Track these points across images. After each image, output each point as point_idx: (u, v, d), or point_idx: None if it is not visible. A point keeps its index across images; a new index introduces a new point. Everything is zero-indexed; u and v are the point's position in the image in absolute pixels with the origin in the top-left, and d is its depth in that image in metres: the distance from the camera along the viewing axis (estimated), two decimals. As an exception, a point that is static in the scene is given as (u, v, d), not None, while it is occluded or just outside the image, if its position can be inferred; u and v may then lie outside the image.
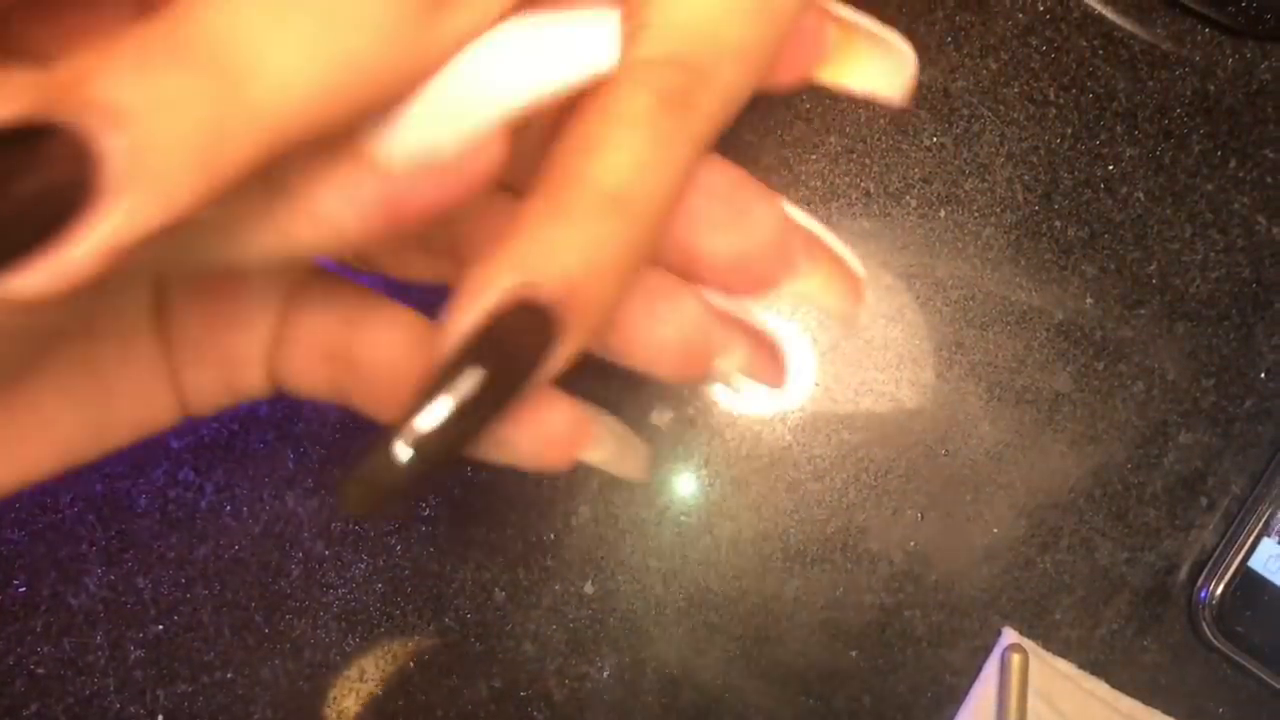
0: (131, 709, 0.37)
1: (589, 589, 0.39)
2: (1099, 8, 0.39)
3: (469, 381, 0.15)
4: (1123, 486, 0.39)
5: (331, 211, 0.15)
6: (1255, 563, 0.37)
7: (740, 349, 0.21)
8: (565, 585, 0.39)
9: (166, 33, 0.13)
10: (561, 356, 0.16)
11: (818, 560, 0.39)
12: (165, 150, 0.13)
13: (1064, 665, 0.38)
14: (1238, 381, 0.38)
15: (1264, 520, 0.37)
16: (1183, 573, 0.38)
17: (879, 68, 0.20)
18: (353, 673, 0.39)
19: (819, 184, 0.39)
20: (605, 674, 0.39)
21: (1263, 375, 0.38)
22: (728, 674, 0.39)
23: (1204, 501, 0.38)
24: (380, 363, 0.21)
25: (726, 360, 0.21)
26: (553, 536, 0.39)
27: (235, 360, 0.24)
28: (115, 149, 0.12)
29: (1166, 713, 0.38)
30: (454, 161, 0.15)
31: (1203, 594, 0.38)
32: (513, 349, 0.15)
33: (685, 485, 0.39)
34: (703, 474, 0.39)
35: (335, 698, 0.39)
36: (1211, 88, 0.38)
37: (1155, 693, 0.38)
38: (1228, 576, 0.37)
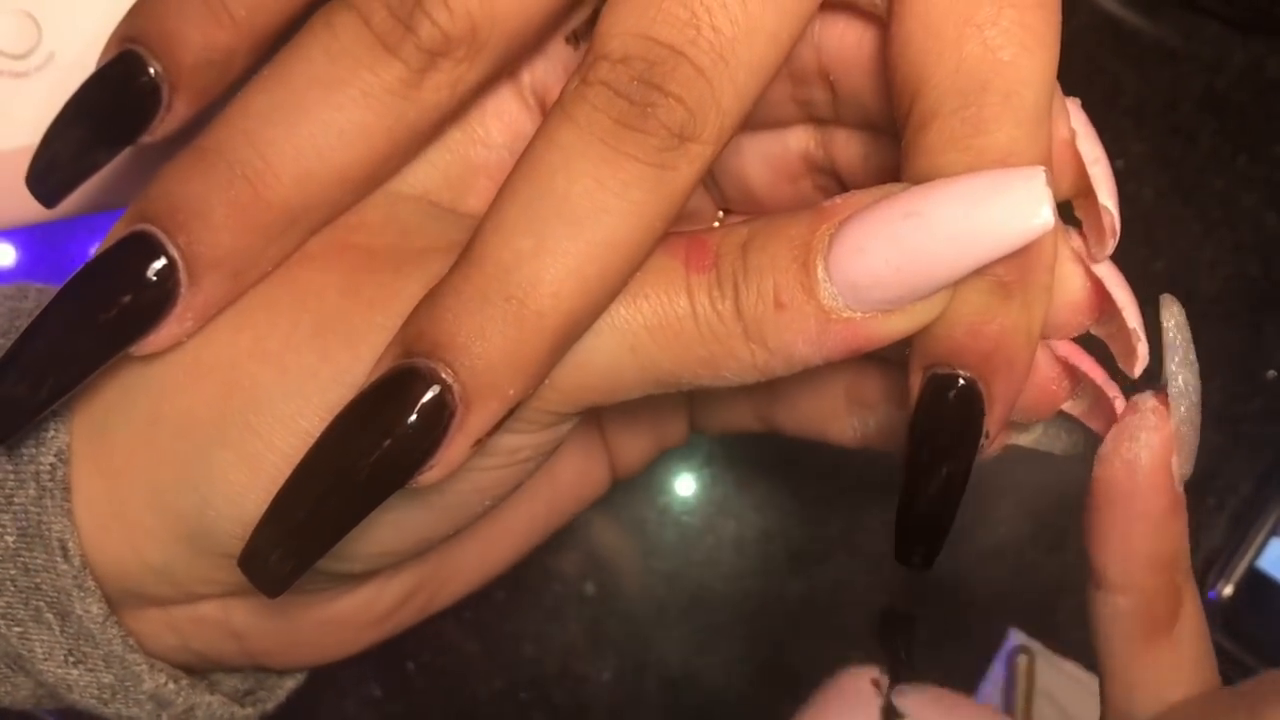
0: None
1: (590, 589, 0.39)
2: (1106, 3, 0.38)
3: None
4: (1130, 486, 0.38)
5: (801, 356, 0.18)
6: (1263, 563, 0.37)
7: (1087, 395, 0.22)
8: (566, 586, 0.38)
9: (470, 279, 0.17)
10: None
11: (821, 561, 0.38)
12: (490, 368, 0.17)
13: (1071, 667, 0.38)
14: (1246, 381, 0.38)
15: (1272, 521, 0.37)
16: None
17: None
18: (352, 674, 0.38)
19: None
20: (606, 676, 0.38)
21: (1272, 374, 0.38)
22: (730, 675, 0.39)
23: (1212, 501, 0.38)
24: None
25: (1073, 404, 0.22)
26: (553, 536, 0.38)
27: (663, 418, 0.28)
28: (460, 377, 0.17)
29: (1174, 715, 0.38)
30: (904, 311, 0.18)
31: (1211, 595, 0.37)
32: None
33: (688, 485, 0.39)
34: (705, 474, 0.39)
35: (335, 699, 0.38)
36: (1220, 83, 0.38)
37: (1162, 695, 0.38)
38: (1236, 577, 0.37)
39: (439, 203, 0.21)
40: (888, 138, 0.22)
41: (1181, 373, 0.21)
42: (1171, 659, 0.21)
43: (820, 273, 0.18)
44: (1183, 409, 0.21)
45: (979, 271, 0.18)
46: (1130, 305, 0.21)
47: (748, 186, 0.24)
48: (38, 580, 0.21)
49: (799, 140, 0.23)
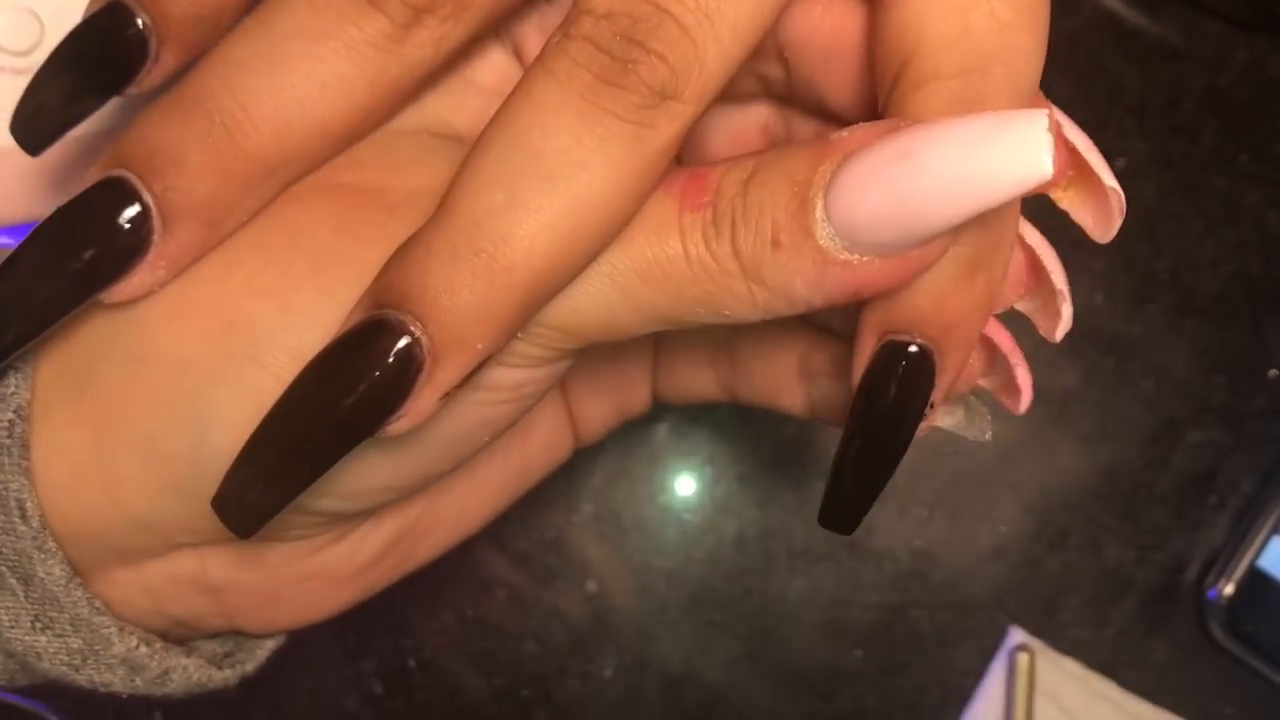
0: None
1: (591, 587, 0.39)
2: (1108, 1, 0.38)
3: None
4: (1131, 485, 0.38)
5: (802, 296, 0.18)
6: (1265, 562, 0.37)
7: (1002, 370, 0.22)
8: (567, 584, 0.38)
9: (441, 231, 0.17)
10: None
11: (822, 558, 0.38)
12: (458, 321, 0.17)
13: (1072, 665, 0.38)
14: (1248, 379, 0.38)
15: (1274, 519, 0.37)
16: (1191, 572, 0.38)
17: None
18: (353, 670, 0.38)
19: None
20: (608, 673, 0.38)
21: (1274, 372, 0.38)
22: (731, 673, 0.39)
23: (1213, 500, 0.38)
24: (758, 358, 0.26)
25: (989, 379, 0.22)
26: (555, 534, 0.38)
27: (625, 384, 0.28)
28: (429, 330, 0.17)
29: (1175, 712, 0.38)
30: (903, 256, 0.18)
31: (1211, 593, 0.37)
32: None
33: (689, 483, 0.39)
34: (707, 471, 0.39)
35: (336, 695, 0.38)
36: (1222, 82, 0.38)
37: (1164, 692, 0.38)
38: (1237, 576, 0.37)
39: (437, 133, 0.21)
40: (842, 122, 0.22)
41: None
42: None
43: (819, 212, 0.17)
44: None
45: (953, 242, 0.18)
46: (1058, 268, 0.21)
47: (706, 158, 0.24)
48: None
49: (759, 113, 0.23)
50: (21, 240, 0.19)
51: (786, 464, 0.39)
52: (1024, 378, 0.22)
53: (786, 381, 0.25)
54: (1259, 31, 0.38)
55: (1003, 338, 0.22)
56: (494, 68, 0.22)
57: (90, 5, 0.20)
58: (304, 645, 0.38)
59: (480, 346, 0.17)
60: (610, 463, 0.38)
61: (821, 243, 0.17)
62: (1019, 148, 0.16)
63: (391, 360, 0.17)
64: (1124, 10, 0.38)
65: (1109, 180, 0.19)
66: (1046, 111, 0.16)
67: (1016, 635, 0.38)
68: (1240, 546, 0.37)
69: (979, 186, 0.16)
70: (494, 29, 0.21)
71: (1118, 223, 0.20)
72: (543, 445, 0.28)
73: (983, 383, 0.22)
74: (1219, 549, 0.38)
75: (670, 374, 0.28)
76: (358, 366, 0.17)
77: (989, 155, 0.16)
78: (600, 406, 0.28)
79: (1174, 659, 0.38)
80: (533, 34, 0.22)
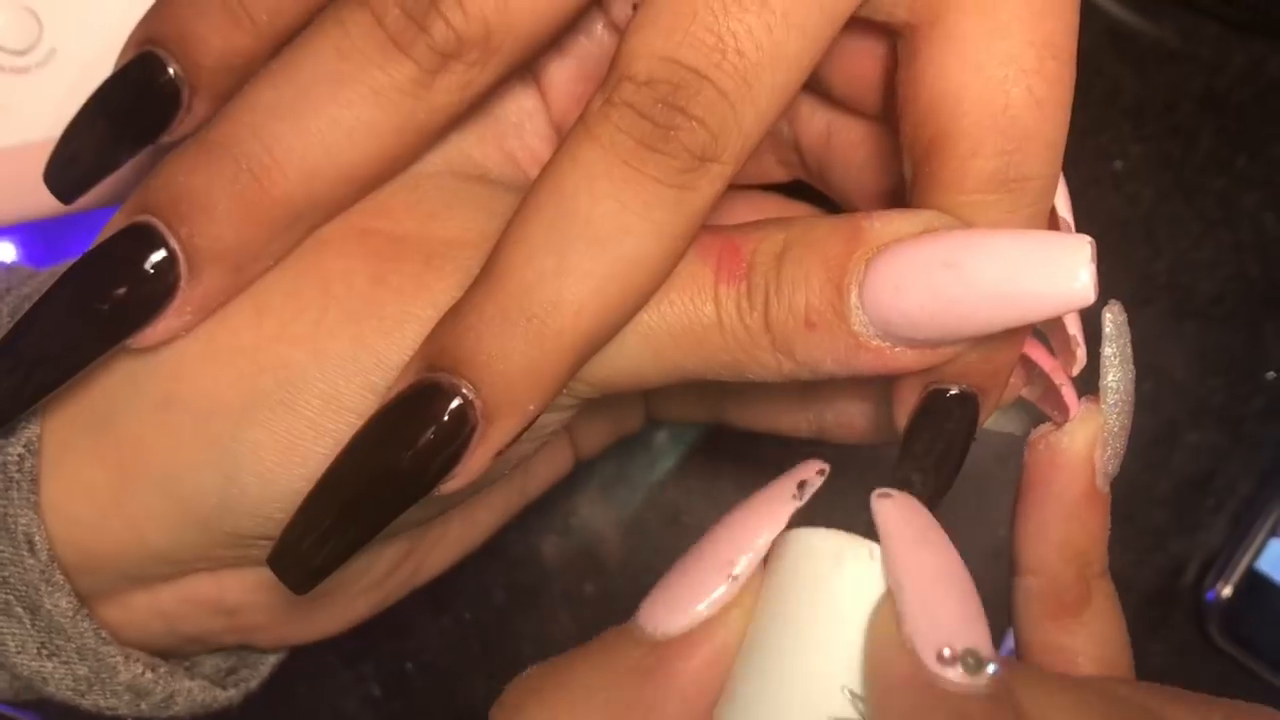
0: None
1: (589, 590, 0.39)
2: (1106, 3, 0.38)
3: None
4: (1129, 487, 0.38)
5: (828, 370, 0.19)
6: (1263, 564, 0.37)
7: (1041, 381, 0.23)
8: (565, 585, 0.38)
9: (492, 297, 0.17)
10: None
11: (821, 561, 0.38)
12: (511, 385, 0.17)
13: (1070, 667, 0.38)
14: (1246, 381, 0.38)
15: (1272, 521, 0.37)
16: (1189, 574, 0.38)
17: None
18: (351, 673, 0.38)
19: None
20: (606, 675, 0.38)
21: (1271, 374, 0.38)
22: (730, 675, 0.38)
23: (1211, 502, 0.38)
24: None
25: (1029, 389, 0.23)
26: (553, 536, 0.38)
27: (622, 409, 0.30)
28: (482, 394, 0.17)
29: (1173, 715, 0.38)
30: (935, 349, 0.18)
31: (1210, 595, 0.37)
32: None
33: (687, 485, 0.39)
34: (705, 474, 0.39)
35: (334, 698, 0.38)
36: (1220, 84, 0.38)
37: (1162, 695, 0.38)
38: (1235, 578, 0.37)
39: (460, 173, 0.21)
40: (850, 115, 0.22)
41: (1113, 370, 0.22)
42: (1076, 643, 0.21)
43: (854, 299, 0.18)
44: (1110, 401, 0.21)
45: None
46: (1072, 314, 0.22)
47: None
48: (5, 574, 0.21)
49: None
50: (50, 286, 0.19)
51: (785, 466, 0.39)
52: (1070, 396, 0.22)
53: (787, 407, 0.26)
54: (1256, 34, 0.38)
55: (1042, 358, 0.22)
56: (513, 102, 0.22)
57: (121, 55, 0.20)
58: (302, 649, 0.38)
59: (532, 408, 0.18)
60: (609, 466, 0.38)
61: (855, 328, 0.18)
62: (1062, 274, 0.17)
63: (446, 422, 0.17)
64: (1121, 12, 0.38)
65: (1063, 211, 0.21)
66: (1088, 239, 0.17)
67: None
68: (1238, 548, 0.37)
69: (1022, 305, 0.17)
70: (519, 71, 0.21)
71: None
72: (542, 468, 0.29)
73: (1024, 394, 0.23)
74: (1217, 551, 0.38)
75: (661, 402, 0.29)
76: (414, 428, 0.17)
77: (1033, 279, 0.17)
78: (599, 431, 0.29)
79: (1172, 661, 0.38)
80: (553, 67, 0.22)
